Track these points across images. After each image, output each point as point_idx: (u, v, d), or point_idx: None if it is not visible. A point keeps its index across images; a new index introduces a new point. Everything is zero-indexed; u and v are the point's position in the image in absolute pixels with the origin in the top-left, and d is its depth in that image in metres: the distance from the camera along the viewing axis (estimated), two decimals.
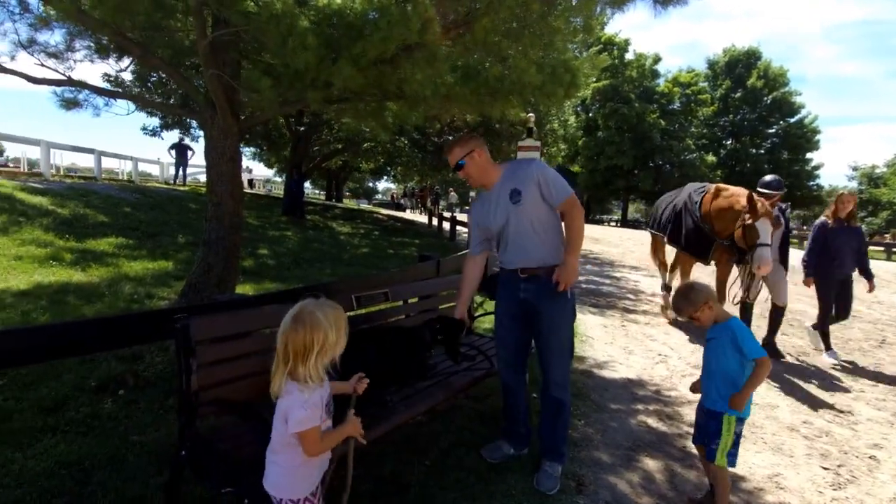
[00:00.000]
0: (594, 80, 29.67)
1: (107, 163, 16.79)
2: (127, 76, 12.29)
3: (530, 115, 6.59)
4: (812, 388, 4.34)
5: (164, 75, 8.75)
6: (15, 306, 4.32)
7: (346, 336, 1.62)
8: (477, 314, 3.82)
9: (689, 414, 3.76)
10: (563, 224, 2.52)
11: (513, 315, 2.60)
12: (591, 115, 36.38)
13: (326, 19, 3.32)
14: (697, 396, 2.52)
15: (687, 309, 2.38)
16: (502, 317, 2.65)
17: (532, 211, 2.42)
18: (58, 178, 12.13)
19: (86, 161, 17.23)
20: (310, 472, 1.62)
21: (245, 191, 21.19)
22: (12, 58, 3.83)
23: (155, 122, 15.46)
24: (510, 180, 2.46)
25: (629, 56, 36.36)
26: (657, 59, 37.11)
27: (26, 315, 4.15)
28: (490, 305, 6.18)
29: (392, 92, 4.24)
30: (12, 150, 14.48)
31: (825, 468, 3.03)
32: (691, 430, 3.51)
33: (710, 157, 37.10)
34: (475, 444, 2.91)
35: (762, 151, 37.80)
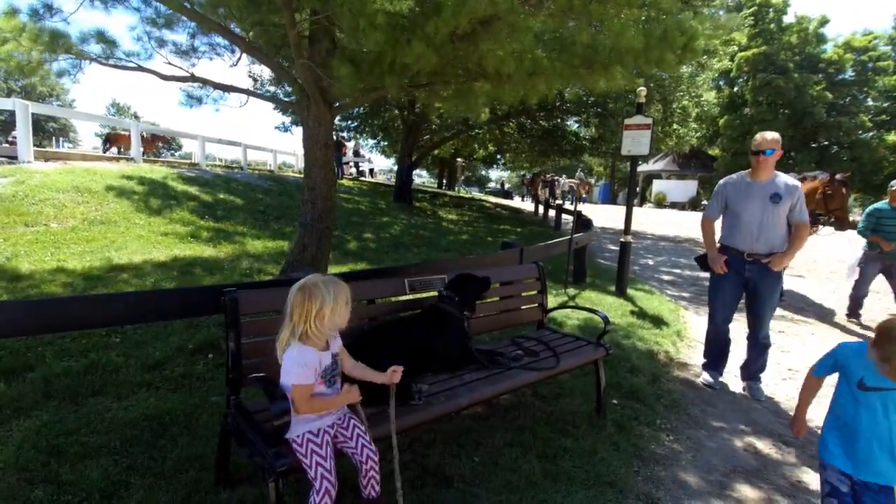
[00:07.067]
0: (737, 47, 25.70)
1: (252, 155, 19.16)
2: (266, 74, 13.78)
3: (641, 88, 5.90)
4: None
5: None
6: (151, 275, 5.04)
7: (348, 307, 1.80)
8: (550, 307, 3.51)
9: (813, 443, 3.08)
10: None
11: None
12: (735, 89, 31.99)
13: None
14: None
15: None
16: None
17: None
18: (209, 167, 14.02)
19: (234, 154, 19.84)
20: (310, 418, 1.79)
21: (367, 180, 22.43)
22: (149, 56, 4.42)
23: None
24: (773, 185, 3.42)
25: (788, 19, 31.16)
26: (824, 21, 31.24)
27: (157, 283, 4.82)
28: (583, 299, 5.73)
29: (474, 71, 4.05)
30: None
31: None
32: (810, 461, 2.89)
33: (893, 137, 30.44)
34: (533, 448, 2.67)
35: None
